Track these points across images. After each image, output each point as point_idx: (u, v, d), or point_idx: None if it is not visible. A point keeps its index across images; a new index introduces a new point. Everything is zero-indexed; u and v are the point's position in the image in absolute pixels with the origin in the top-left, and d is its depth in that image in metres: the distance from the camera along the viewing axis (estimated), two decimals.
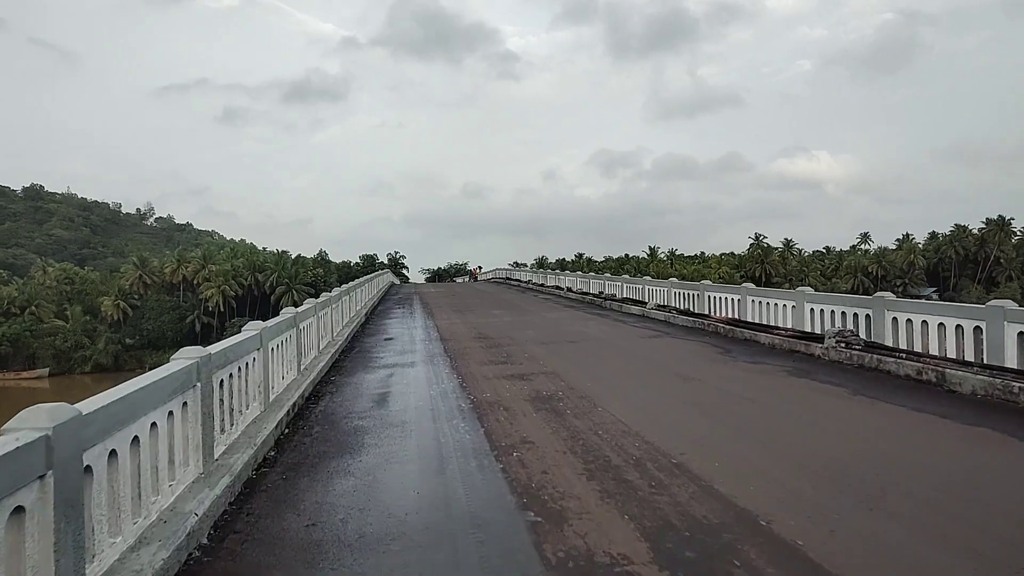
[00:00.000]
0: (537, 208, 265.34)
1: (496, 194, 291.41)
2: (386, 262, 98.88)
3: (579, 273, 25.90)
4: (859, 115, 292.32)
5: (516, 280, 40.48)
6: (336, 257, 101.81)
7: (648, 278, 18.66)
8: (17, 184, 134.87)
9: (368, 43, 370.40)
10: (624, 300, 19.28)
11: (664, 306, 16.41)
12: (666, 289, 17.02)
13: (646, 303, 17.38)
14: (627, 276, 20.49)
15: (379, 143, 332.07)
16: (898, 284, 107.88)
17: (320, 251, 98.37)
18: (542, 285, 31.51)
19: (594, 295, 22.24)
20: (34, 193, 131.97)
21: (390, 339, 13.31)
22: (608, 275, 22.98)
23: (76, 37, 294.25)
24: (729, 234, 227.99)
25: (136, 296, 79.87)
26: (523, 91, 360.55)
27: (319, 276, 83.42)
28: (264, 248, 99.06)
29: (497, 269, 51.19)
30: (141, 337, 76.57)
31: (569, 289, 25.82)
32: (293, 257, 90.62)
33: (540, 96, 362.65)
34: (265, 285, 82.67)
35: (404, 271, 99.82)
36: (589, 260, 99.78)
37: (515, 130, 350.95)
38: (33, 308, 74.63)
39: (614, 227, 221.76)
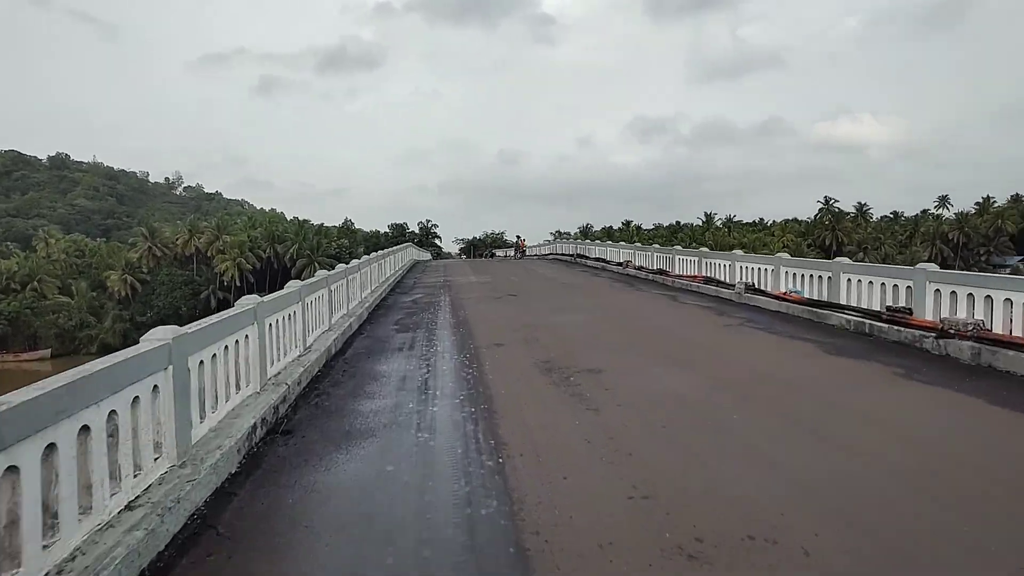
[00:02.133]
0: (573, 175, 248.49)
1: (532, 160, 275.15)
2: (416, 232, 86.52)
3: (783, 256, 11.39)
4: (908, 75, 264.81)
5: (597, 258, 25.49)
6: (372, 226, 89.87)
7: None
8: (44, 154, 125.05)
9: (402, 8, 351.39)
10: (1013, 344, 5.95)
11: None
12: None
13: None
14: None
15: (414, 111, 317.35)
16: (982, 252, 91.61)
17: (346, 220, 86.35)
18: (662, 271, 17.27)
19: (873, 313, 8.77)
20: (59, 162, 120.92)
21: None
22: (920, 266, 8.21)
23: (114, 8, 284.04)
24: (770, 199, 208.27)
25: (145, 270, 69.45)
26: (559, 55, 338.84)
27: (344, 247, 71.52)
28: (294, 218, 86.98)
29: (556, 242, 37.12)
30: (154, 314, 66.41)
31: (754, 287, 11.74)
32: (316, 226, 78.83)
33: (576, 60, 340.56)
34: (285, 257, 71.37)
35: (437, 241, 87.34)
36: (638, 228, 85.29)
37: (550, 95, 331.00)
38: (35, 283, 64.76)
39: (653, 194, 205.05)
